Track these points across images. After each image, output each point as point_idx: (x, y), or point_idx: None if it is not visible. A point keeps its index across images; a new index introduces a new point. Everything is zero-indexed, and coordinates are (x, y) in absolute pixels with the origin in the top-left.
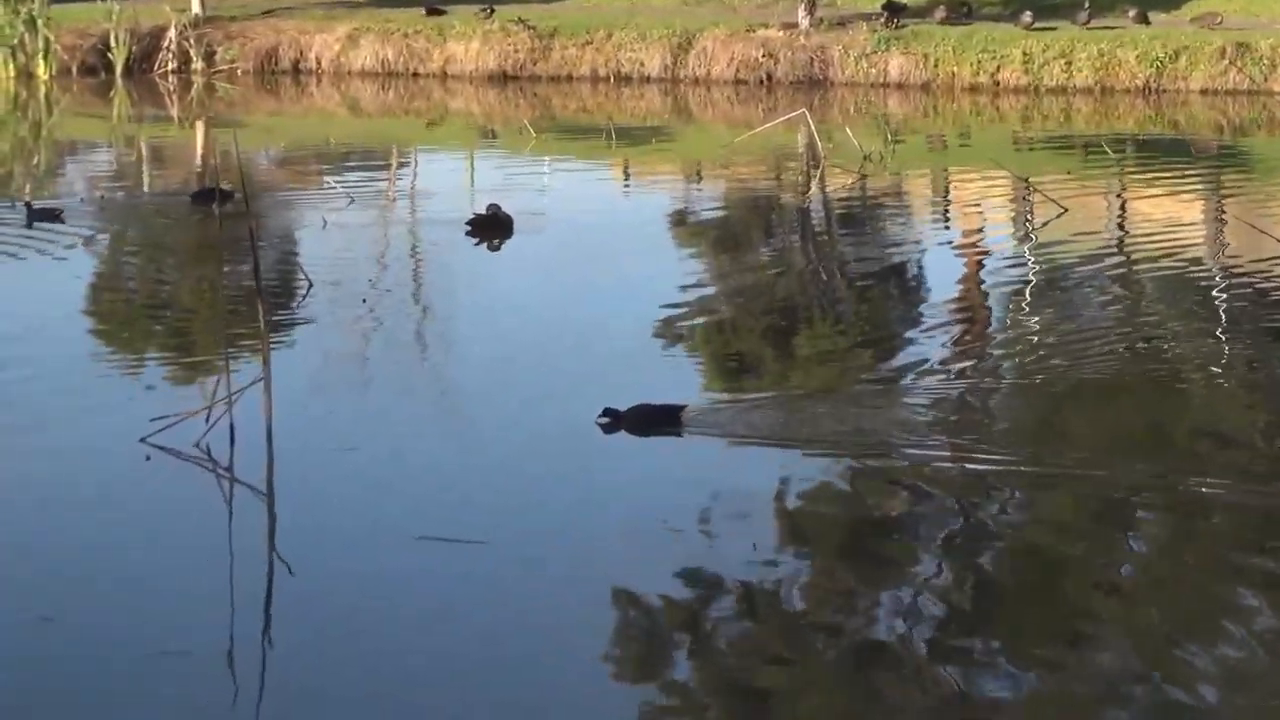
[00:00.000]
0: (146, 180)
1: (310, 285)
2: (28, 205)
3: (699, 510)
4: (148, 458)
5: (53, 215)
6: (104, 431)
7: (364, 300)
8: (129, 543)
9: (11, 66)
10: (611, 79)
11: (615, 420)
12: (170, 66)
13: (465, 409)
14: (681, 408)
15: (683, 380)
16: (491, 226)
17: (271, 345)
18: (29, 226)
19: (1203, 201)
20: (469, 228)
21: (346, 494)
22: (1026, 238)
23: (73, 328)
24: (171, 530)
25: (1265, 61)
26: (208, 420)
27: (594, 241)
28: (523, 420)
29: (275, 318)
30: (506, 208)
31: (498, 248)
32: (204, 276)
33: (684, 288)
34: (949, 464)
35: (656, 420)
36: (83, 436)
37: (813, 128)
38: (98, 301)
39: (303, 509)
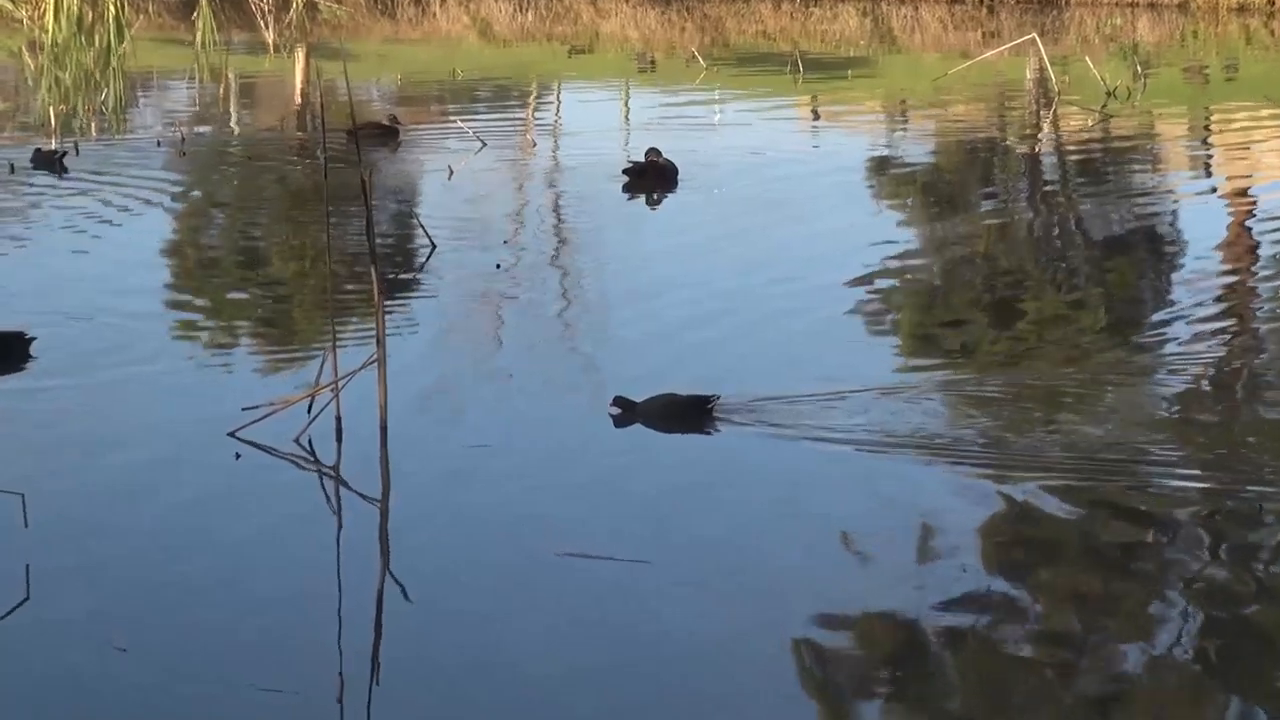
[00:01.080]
0: (235, 120)
1: (433, 248)
2: (38, 150)
3: (891, 528)
4: (238, 456)
5: (50, 160)
6: (186, 424)
7: (497, 266)
8: (215, 563)
9: None
10: None
11: (629, 410)
12: None
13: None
14: (711, 399)
15: (877, 362)
16: (650, 176)
17: (387, 321)
18: (60, 176)
19: None
20: (625, 178)
21: (474, 501)
22: None
23: (151, 299)
24: (265, 547)
25: None
26: (310, 410)
27: (774, 195)
28: None
29: (391, 287)
30: (668, 154)
31: (657, 202)
32: (306, 237)
33: (885, 254)
34: (1200, 476)
35: (679, 413)
36: (161, 433)
37: (1044, 57)
38: (180, 268)
39: (422, 520)
